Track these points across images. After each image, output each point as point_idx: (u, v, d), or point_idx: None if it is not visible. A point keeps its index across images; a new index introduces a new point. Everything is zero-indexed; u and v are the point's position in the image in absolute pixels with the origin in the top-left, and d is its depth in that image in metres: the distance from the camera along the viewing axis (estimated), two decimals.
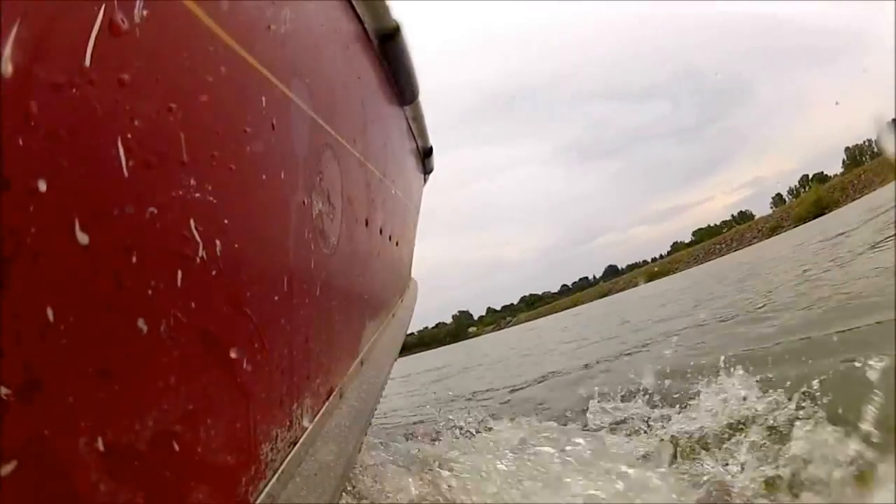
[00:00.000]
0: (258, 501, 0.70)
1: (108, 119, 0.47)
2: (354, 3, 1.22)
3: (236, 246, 0.67)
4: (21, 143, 0.38)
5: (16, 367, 0.38)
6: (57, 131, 0.42)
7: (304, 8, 0.94)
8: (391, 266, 2.10)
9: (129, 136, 0.49)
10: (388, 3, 1.38)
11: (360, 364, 1.40)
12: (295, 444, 0.86)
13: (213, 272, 0.63)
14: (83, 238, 0.44)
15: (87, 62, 0.44)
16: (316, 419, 0.98)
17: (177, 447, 0.55)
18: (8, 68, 0.37)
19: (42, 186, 0.40)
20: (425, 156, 2.69)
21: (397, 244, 2.16)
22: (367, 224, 1.47)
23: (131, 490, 0.48)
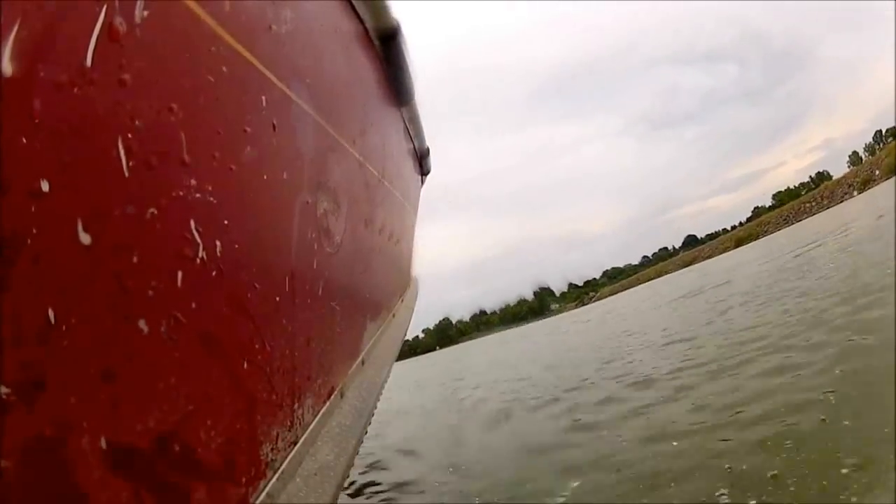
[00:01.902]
0: (258, 501, 0.70)
1: (110, 119, 0.47)
2: (354, 3, 1.22)
3: (237, 246, 0.67)
4: (22, 143, 0.38)
5: (18, 367, 0.38)
6: (58, 132, 0.42)
7: (305, 8, 0.94)
8: (392, 266, 2.10)
9: (131, 136, 0.49)
10: (387, 2, 1.37)
11: (361, 364, 1.40)
12: (295, 443, 0.86)
13: (214, 273, 0.62)
14: (86, 238, 0.44)
15: (89, 62, 0.44)
16: (316, 419, 0.98)
17: (178, 447, 0.55)
18: (8, 68, 0.37)
19: (44, 187, 0.40)
20: (422, 157, 2.70)
21: (398, 244, 2.16)
22: (367, 225, 1.47)
23: (132, 489, 0.48)
